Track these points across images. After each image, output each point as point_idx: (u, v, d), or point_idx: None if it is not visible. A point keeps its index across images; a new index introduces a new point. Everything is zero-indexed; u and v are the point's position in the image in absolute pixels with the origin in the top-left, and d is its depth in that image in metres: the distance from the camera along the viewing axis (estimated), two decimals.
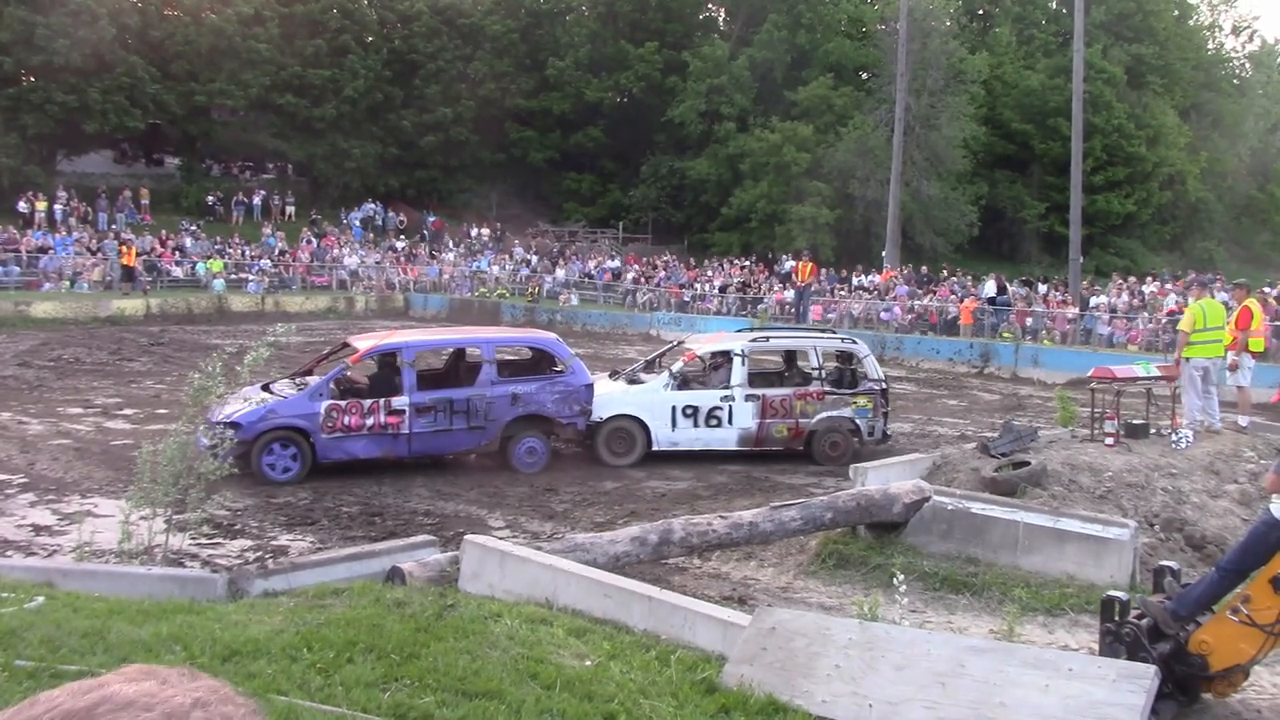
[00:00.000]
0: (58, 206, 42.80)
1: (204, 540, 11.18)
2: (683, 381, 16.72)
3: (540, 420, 15.72)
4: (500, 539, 10.37)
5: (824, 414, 16.60)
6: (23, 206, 41.96)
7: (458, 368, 16.84)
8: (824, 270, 40.13)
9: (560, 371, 15.93)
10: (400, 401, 14.96)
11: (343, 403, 14.83)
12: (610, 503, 13.85)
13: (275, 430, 14.47)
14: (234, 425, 13.89)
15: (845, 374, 17.78)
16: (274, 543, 11.74)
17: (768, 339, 18.76)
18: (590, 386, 16.20)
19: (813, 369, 17.01)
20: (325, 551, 10.73)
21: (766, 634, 6.96)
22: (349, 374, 15.62)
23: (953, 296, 35.05)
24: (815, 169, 47.84)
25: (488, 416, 15.29)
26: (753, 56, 52.81)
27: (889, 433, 17.13)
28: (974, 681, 6.23)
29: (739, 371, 16.54)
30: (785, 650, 6.81)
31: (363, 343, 16.12)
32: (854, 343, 18.42)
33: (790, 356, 18.64)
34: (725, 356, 16.99)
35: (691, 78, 52.05)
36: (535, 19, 55.72)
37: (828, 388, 16.84)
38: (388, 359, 15.74)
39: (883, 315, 34.39)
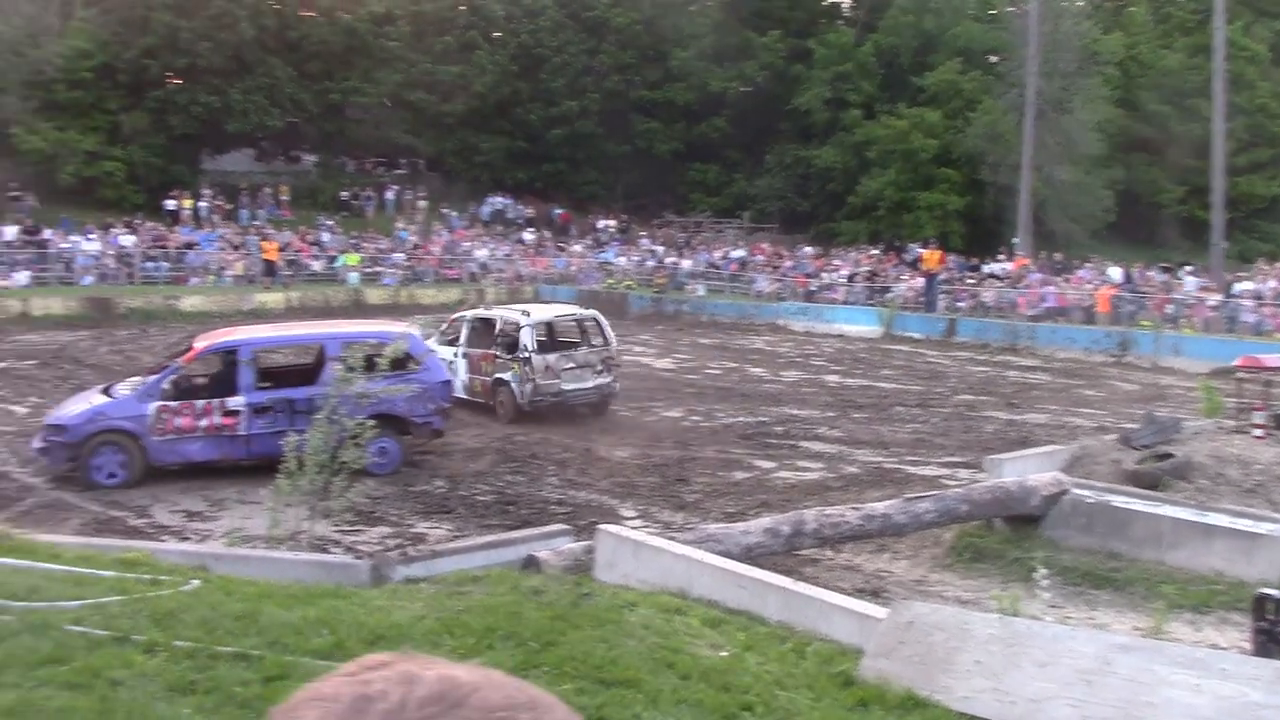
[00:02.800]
0: (202, 204, 44.37)
1: (346, 527, 11.52)
2: (448, 341, 19.59)
3: (392, 420, 14.53)
4: (633, 529, 10.47)
5: (496, 374, 18.63)
6: (170, 204, 43.58)
7: (306, 365, 16.13)
8: (953, 258, 39.44)
9: (415, 368, 15.01)
10: (236, 401, 14.31)
11: (174, 404, 14.19)
12: (741, 494, 13.85)
13: (103, 433, 13.92)
14: (60, 428, 13.87)
15: (514, 343, 18.66)
16: (412, 530, 12.03)
17: (482, 311, 21.35)
18: (448, 383, 15.90)
19: (495, 336, 19.11)
20: (463, 539, 10.97)
21: (904, 627, 6.90)
22: (186, 373, 14.93)
23: (1088, 284, 34.13)
24: (944, 155, 46.98)
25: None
26: (879, 42, 52.07)
27: (538, 400, 18.27)
28: (1121, 680, 6.08)
29: (463, 333, 19.53)
30: (923, 644, 6.75)
31: (201, 340, 15.53)
32: (524, 314, 19.43)
33: (489, 324, 19.82)
34: (461, 321, 20.16)
35: (816, 65, 51.53)
36: (659, 10, 55.74)
37: (498, 352, 18.71)
38: (226, 357, 15.08)
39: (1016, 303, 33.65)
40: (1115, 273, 34.10)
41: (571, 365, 18.64)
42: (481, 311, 21.08)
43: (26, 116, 42.04)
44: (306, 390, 14.29)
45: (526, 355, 18.22)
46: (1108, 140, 48.45)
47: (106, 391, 14.98)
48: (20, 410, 18.43)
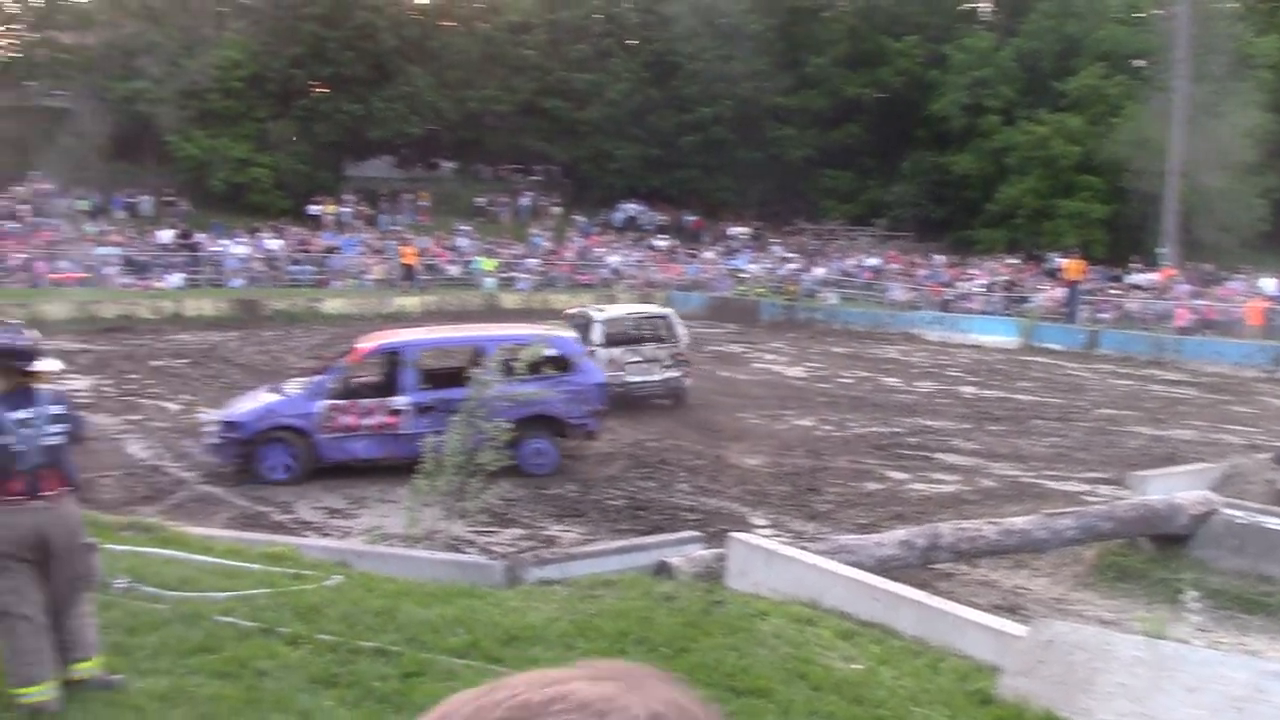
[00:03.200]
0: (344, 209, 45.67)
1: (480, 528, 11.72)
2: None
3: (548, 421, 15.10)
4: (765, 537, 10.42)
5: None
6: (314, 210, 44.94)
7: (463, 368, 16.16)
8: (1095, 267, 38.37)
9: (571, 371, 15.46)
10: (400, 401, 14.70)
11: (342, 402, 14.66)
12: (874, 504, 13.68)
13: (274, 429, 14.41)
14: (234, 424, 14.28)
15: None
16: (544, 533, 12.17)
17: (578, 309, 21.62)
18: (603, 385, 15.93)
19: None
20: (596, 543, 11.06)
21: (1044, 646, 6.74)
22: (353, 373, 15.48)
23: (1239, 296, 32.86)
24: (1086, 162, 45.68)
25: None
26: (1019, 47, 50.90)
27: None
28: (1275, 708, 5.84)
29: None
30: (1064, 664, 6.57)
31: (365, 342, 16.03)
32: (599, 311, 20.39)
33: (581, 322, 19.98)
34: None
35: (954, 71, 50.63)
36: (793, 16, 55.44)
37: None
38: (390, 358, 15.58)
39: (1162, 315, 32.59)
40: (1268, 284, 32.78)
41: (637, 359, 19.80)
42: (578, 310, 21.77)
43: (182, 125, 43.80)
44: (466, 391, 14.60)
45: (592, 349, 18.77)
46: (1260, 147, 46.58)
47: (275, 390, 15.49)
48: (173, 407, 19.16)
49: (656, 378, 19.92)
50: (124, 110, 44.71)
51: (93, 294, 32.58)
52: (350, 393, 15.06)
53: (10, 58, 47.80)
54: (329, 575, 8.22)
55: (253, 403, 15.02)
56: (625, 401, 18.86)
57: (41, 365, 5.84)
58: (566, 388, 15.21)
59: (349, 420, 14.60)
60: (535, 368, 15.44)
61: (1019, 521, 10.40)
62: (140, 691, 5.86)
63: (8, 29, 48.59)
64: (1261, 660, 7.26)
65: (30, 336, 5.85)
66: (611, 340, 19.84)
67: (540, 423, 14.91)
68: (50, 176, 41.68)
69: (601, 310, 21.07)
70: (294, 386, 15.47)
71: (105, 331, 28.05)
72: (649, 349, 20.07)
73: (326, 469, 14.52)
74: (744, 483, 14.68)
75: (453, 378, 15.36)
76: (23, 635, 5.56)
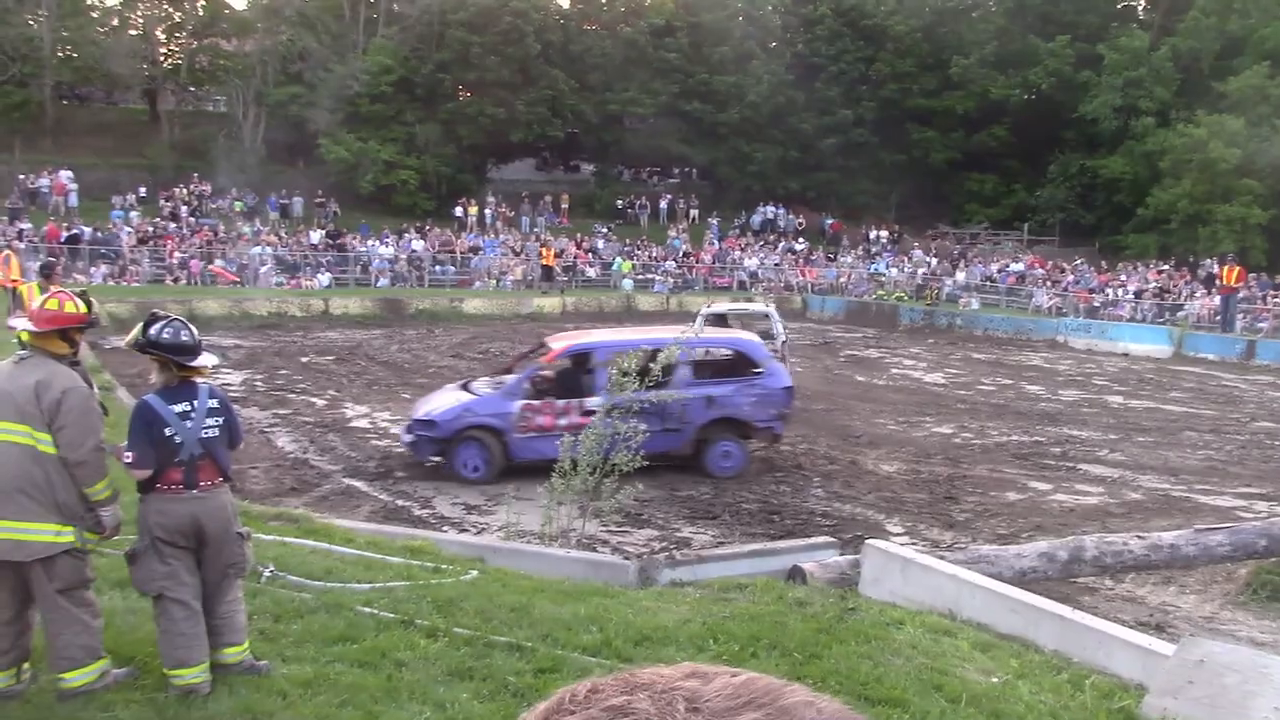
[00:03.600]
0: (486, 211, 46.51)
1: (614, 528, 11.80)
2: None
3: (735, 424, 15.17)
4: (900, 545, 10.26)
5: None
6: (458, 211, 45.89)
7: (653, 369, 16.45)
8: (1253, 275, 36.84)
9: (759, 374, 15.40)
10: (594, 402, 14.28)
11: (536, 402, 14.70)
12: (1014, 515, 13.36)
13: (470, 429, 14.48)
14: (430, 423, 14.40)
15: None
16: (677, 534, 12.20)
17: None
18: (789, 389, 15.69)
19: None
20: (729, 546, 11.04)
21: (1193, 666, 6.49)
22: (543, 373, 15.52)
23: None
24: (1246, 165, 43.83)
25: (682, 419, 14.64)
26: (1176, 46, 49.11)
27: None
28: None
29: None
30: (1215, 686, 6.32)
31: (558, 342, 16.00)
32: (706, 306, 21.42)
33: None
34: None
35: (1106, 71, 49.12)
36: (939, 17, 54.57)
37: None
38: (581, 359, 15.54)
39: None
40: None
41: None
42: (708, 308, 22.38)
43: (332, 128, 45.17)
44: (659, 392, 14.61)
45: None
46: None
47: (466, 388, 15.66)
48: (319, 402, 19.74)
49: None
50: (279, 114, 46.34)
51: (246, 292, 33.80)
52: (539, 393, 15.24)
53: (175, 64, 49.93)
54: (466, 570, 8.37)
55: (446, 401, 15.14)
56: None
57: (201, 361, 6.07)
58: (753, 391, 15.26)
59: (544, 420, 14.64)
60: (722, 369, 15.85)
61: (1167, 536, 10.04)
62: (284, 677, 6.06)
63: (173, 36, 50.76)
64: None
65: (192, 333, 6.07)
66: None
67: (727, 425, 15.07)
68: (209, 178, 43.43)
69: (708, 305, 22.10)
70: (484, 385, 15.73)
71: (257, 328, 29.07)
72: None
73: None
74: (880, 489, 14.48)
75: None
76: (177, 619, 5.79)
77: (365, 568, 8.29)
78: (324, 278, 37.36)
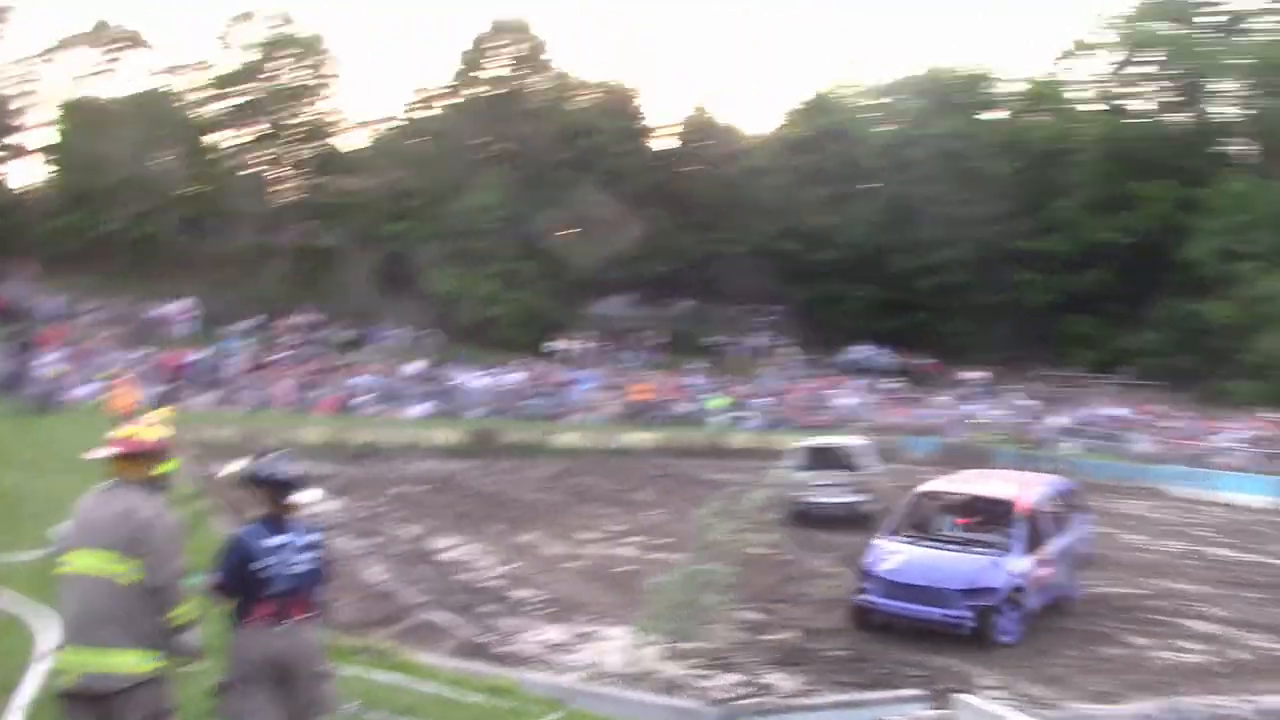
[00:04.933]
0: (583, 345, 47.21)
1: (698, 670, 11.68)
2: None
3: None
4: (993, 700, 10.00)
5: None
6: (554, 345, 46.64)
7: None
8: None
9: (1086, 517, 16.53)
10: (1052, 550, 14.86)
11: (1044, 557, 14.56)
12: (1113, 671, 12.94)
13: (1013, 591, 13.77)
14: (983, 590, 13.57)
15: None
16: (761, 680, 12.01)
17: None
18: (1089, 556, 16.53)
19: None
20: (813, 695, 10.86)
21: None
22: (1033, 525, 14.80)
23: None
24: None
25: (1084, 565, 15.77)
26: None
27: (790, 507, 22.06)
28: None
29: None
30: None
31: (1010, 489, 15.67)
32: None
33: None
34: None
35: (1209, 215, 48.68)
36: (1040, 160, 54.76)
37: None
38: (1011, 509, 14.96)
39: None
40: None
41: (823, 483, 22.49)
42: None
43: (437, 262, 46.52)
44: (1068, 539, 15.56)
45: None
46: None
47: (913, 540, 14.99)
48: (411, 532, 19.97)
49: (836, 500, 22.34)
50: (386, 249, 47.93)
51: (347, 421, 34.51)
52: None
53: (294, 200, 52.19)
54: (546, 712, 8.36)
55: (976, 562, 14.07)
56: (810, 519, 21.83)
57: (303, 498, 6.20)
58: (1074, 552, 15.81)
59: (1044, 574, 14.57)
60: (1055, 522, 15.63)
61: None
62: None
63: (296, 174, 53.18)
64: None
65: (297, 467, 6.19)
66: (801, 466, 23.14)
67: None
68: (317, 309, 44.85)
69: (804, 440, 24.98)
70: (891, 538, 15.05)
71: (354, 458, 29.57)
72: (833, 474, 22.60)
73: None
74: (970, 640, 14.13)
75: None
76: None
77: (446, 705, 8.33)
78: (422, 408, 38.00)
